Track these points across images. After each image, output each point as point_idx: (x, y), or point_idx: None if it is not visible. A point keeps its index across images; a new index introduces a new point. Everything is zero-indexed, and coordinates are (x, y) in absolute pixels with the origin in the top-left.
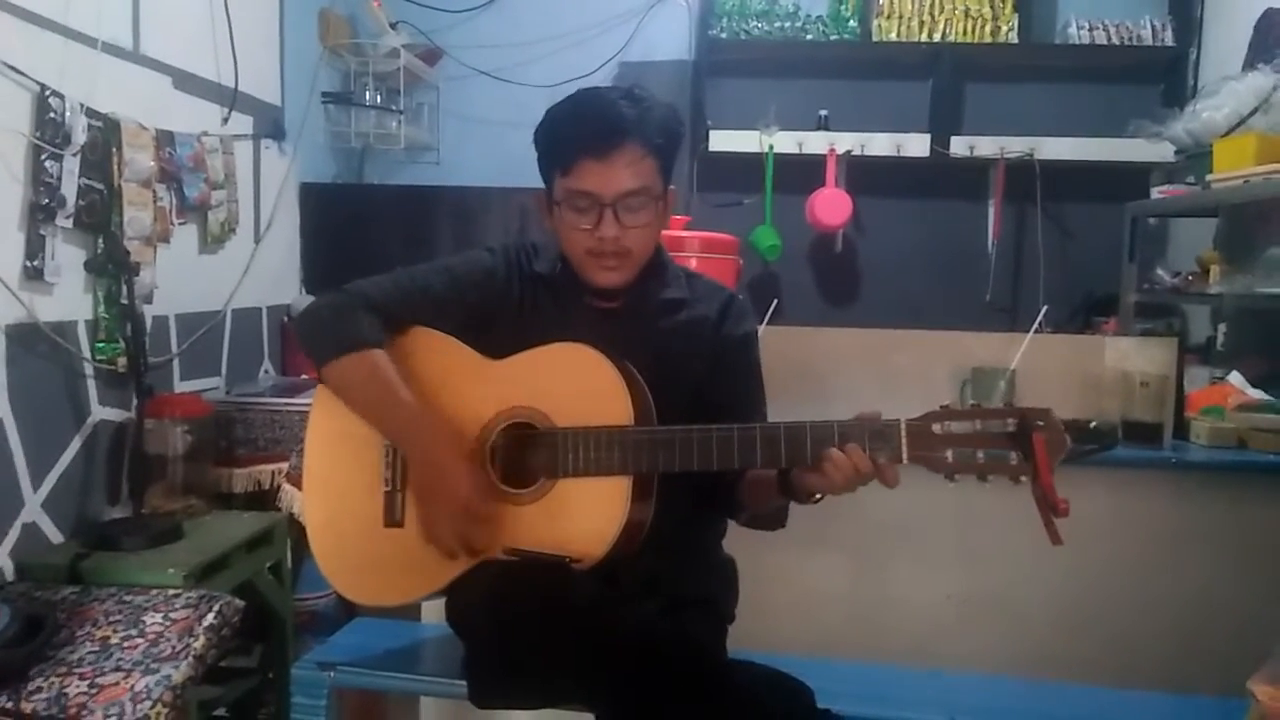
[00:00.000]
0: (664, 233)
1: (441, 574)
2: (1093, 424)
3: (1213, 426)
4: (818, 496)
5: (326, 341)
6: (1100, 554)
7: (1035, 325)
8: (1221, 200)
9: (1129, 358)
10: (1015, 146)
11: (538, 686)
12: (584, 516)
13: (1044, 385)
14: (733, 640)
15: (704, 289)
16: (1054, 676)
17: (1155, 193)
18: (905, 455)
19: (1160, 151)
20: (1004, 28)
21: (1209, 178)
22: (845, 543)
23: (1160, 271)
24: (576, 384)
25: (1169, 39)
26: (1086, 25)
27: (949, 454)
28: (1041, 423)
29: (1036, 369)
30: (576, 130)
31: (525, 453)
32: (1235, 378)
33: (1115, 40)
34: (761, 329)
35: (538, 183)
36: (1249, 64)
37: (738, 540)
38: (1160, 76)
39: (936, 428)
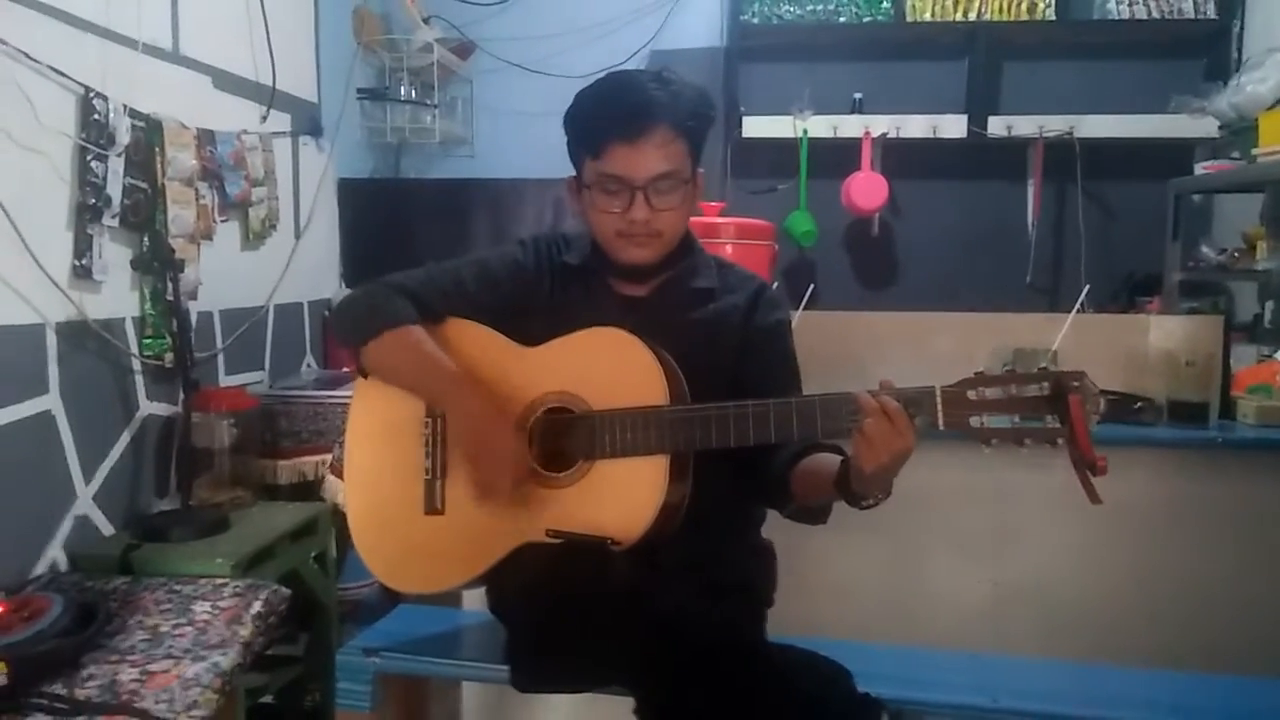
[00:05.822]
0: (699, 220)
1: (480, 561)
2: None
3: (1260, 405)
4: (868, 502)
5: (365, 323)
6: (1145, 535)
7: (1077, 305)
8: (1268, 174)
9: (1173, 337)
10: (1054, 125)
11: (579, 671)
12: (622, 497)
13: (1087, 365)
14: (772, 624)
15: (735, 279)
16: (1096, 660)
17: (1199, 169)
18: (941, 421)
19: (1204, 127)
20: (1041, 5)
21: (1254, 152)
22: (883, 527)
23: (1205, 249)
24: (611, 367)
25: (1211, 12)
26: (1125, 0)
27: (984, 420)
28: (1076, 384)
29: (1079, 349)
30: (606, 113)
31: (562, 437)
32: None
33: (1155, 15)
34: (798, 315)
35: (572, 172)
36: None
37: (776, 525)
38: (1202, 50)
39: (971, 394)
